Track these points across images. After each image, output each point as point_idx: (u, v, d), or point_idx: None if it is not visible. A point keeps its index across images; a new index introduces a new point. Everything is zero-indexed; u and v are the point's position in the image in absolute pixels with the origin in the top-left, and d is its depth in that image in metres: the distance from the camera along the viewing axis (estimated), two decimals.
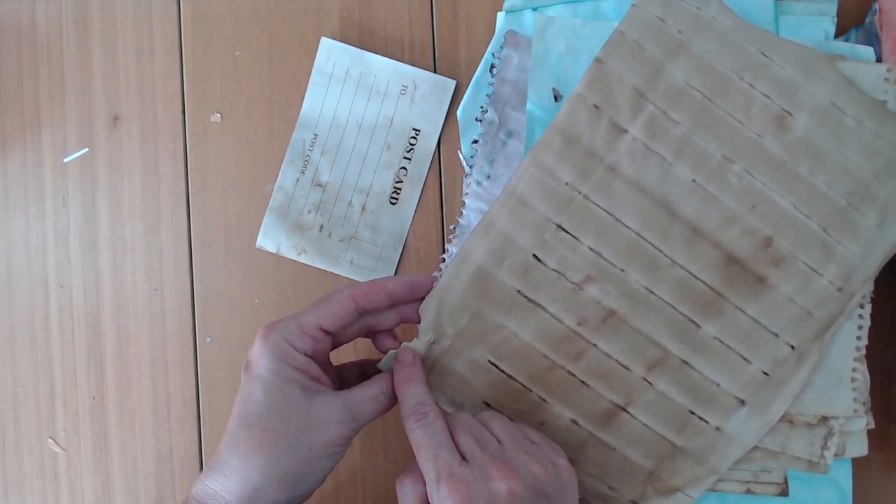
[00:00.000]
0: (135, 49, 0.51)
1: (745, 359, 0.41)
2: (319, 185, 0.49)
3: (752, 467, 0.43)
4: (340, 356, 0.45)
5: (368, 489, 0.49)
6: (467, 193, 0.47)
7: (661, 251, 0.41)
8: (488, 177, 0.47)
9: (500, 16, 0.47)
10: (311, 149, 0.49)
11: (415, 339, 0.42)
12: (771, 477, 0.43)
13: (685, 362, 0.42)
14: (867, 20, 0.44)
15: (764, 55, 0.42)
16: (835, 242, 0.41)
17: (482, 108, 0.47)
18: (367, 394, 0.39)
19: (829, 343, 0.42)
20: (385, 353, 0.41)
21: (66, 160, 0.51)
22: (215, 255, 0.50)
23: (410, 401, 0.38)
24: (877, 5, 0.44)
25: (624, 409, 0.42)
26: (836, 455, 0.42)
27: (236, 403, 0.37)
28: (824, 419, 0.42)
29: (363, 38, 0.49)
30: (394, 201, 0.49)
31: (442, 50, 0.49)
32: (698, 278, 0.41)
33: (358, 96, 0.48)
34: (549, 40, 0.46)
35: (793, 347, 0.41)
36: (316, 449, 0.37)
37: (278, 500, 0.36)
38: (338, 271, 0.49)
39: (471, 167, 0.47)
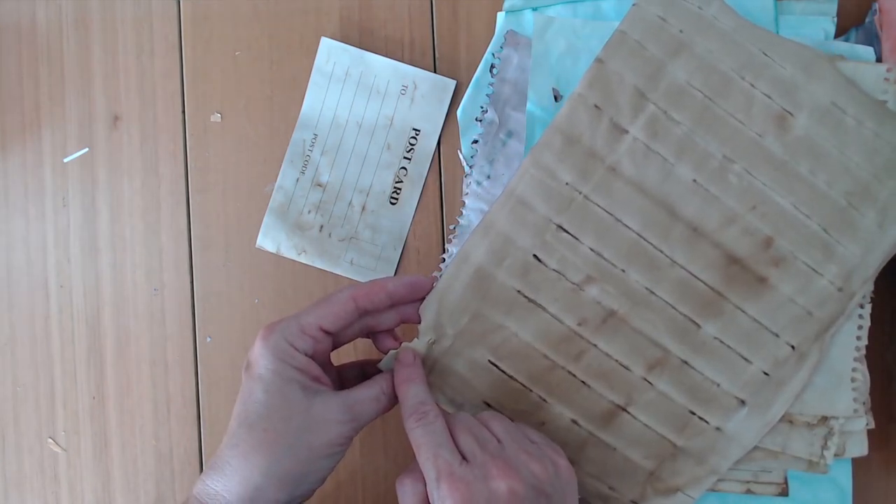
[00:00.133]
0: (135, 49, 0.51)
1: (745, 359, 0.41)
2: (319, 185, 0.49)
3: (752, 467, 0.43)
4: (341, 356, 0.45)
5: (368, 489, 0.49)
6: (467, 193, 0.47)
7: (661, 251, 0.41)
8: (488, 177, 0.47)
9: (500, 16, 0.47)
10: (311, 149, 0.49)
11: (415, 340, 0.42)
12: (771, 477, 0.43)
13: (685, 362, 0.42)
14: (867, 20, 0.44)
15: (765, 55, 0.42)
16: (835, 242, 0.41)
17: (482, 108, 0.47)
18: (368, 394, 0.39)
19: (829, 343, 0.42)
20: (385, 354, 0.41)
21: (66, 160, 0.51)
22: (215, 255, 0.50)
23: (411, 401, 0.38)
24: (877, 5, 0.44)
25: (624, 410, 0.42)
26: (836, 455, 0.42)
27: (237, 403, 0.37)
28: (824, 419, 0.42)
29: (363, 38, 0.49)
30: (394, 201, 0.49)
31: (442, 50, 0.49)
32: (699, 278, 0.41)
33: (358, 96, 0.48)
34: (549, 40, 0.46)
35: (793, 347, 0.41)
36: (316, 449, 0.37)
37: (279, 500, 0.36)
38: (338, 271, 0.49)
39: (471, 167, 0.47)
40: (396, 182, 0.49)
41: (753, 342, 0.41)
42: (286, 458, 0.36)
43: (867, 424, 0.42)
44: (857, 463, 0.44)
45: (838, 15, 0.45)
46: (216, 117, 0.50)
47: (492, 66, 0.47)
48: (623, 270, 0.42)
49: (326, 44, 0.48)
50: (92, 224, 0.51)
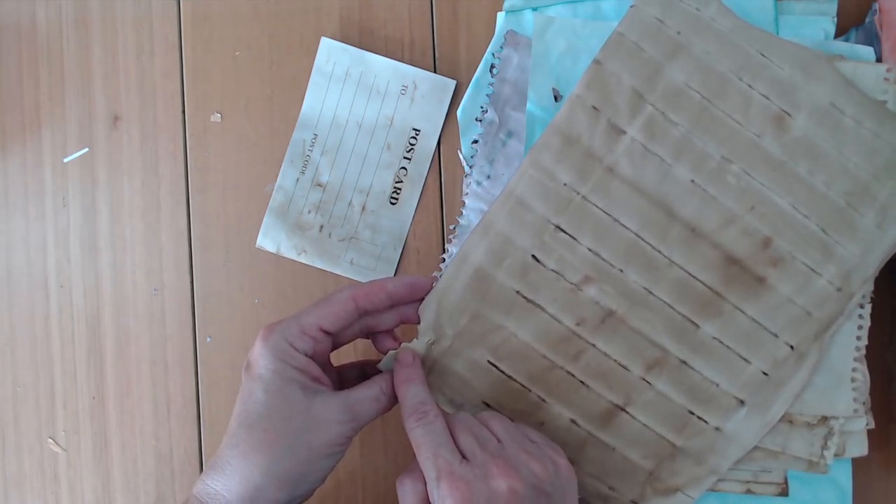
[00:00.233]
0: (135, 49, 0.51)
1: (744, 359, 0.41)
2: (319, 185, 0.49)
3: (752, 467, 0.43)
4: (341, 357, 0.45)
5: (368, 489, 0.49)
6: (467, 193, 0.47)
7: (659, 251, 0.41)
8: (488, 177, 0.47)
9: (500, 16, 0.47)
10: (311, 149, 0.49)
11: (414, 340, 0.42)
12: (771, 477, 0.43)
13: (684, 362, 0.42)
14: (867, 20, 0.44)
15: (763, 55, 0.42)
16: (834, 242, 0.41)
17: (482, 108, 0.47)
18: (367, 394, 0.39)
19: (828, 343, 0.42)
20: (385, 354, 0.41)
21: (66, 160, 0.51)
22: (215, 255, 0.50)
23: (410, 401, 0.38)
24: (877, 5, 0.44)
25: (623, 410, 0.42)
26: (836, 455, 0.42)
27: (237, 403, 0.37)
28: (824, 419, 0.42)
29: (363, 38, 0.49)
30: (394, 201, 0.49)
31: (442, 50, 0.49)
32: (697, 279, 0.41)
33: (358, 96, 0.48)
34: (549, 40, 0.46)
35: (792, 347, 0.41)
36: (316, 448, 0.37)
37: (279, 500, 0.36)
38: (338, 271, 0.49)
39: (471, 167, 0.47)
40: (396, 182, 0.49)
41: (752, 342, 0.41)
42: (286, 458, 0.36)
43: (867, 424, 0.42)
44: (857, 463, 0.44)
45: (838, 15, 0.45)
46: (216, 117, 0.50)
47: (492, 66, 0.47)
48: (621, 270, 0.42)
49: (326, 44, 0.48)
50: (92, 224, 0.51)
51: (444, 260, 0.48)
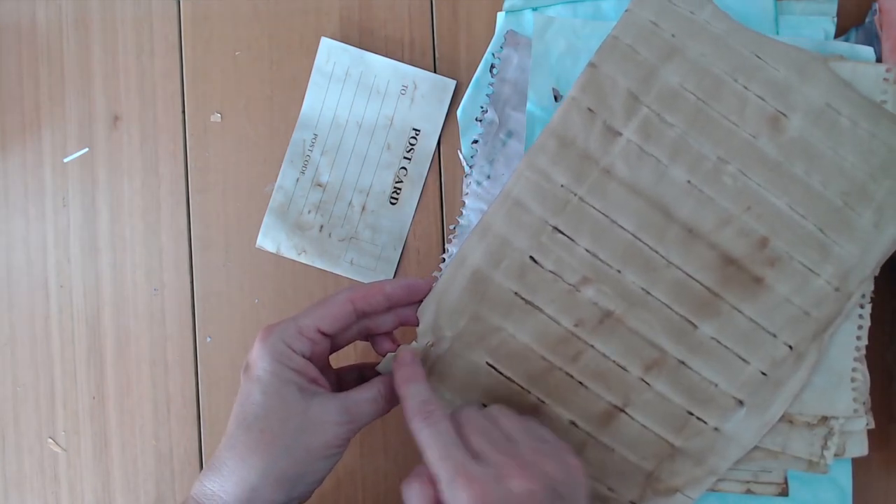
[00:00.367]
0: (135, 49, 0.51)
1: (742, 359, 0.41)
2: (319, 185, 0.49)
3: (752, 467, 0.43)
4: (340, 360, 0.45)
5: (368, 489, 0.49)
6: (467, 193, 0.47)
7: (657, 252, 0.41)
8: (488, 177, 0.47)
9: (500, 16, 0.47)
10: (311, 149, 0.49)
11: (413, 342, 0.42)
12: (771, 477, 0.43)
13: (682, 363, 0.42)
14: (867, 20, 0.44)
15: (758, 57, 0.42)
16: (831, 242, 0.41)
17: (482, 108, 0.47)
18: (365, 395, 0.39)
19: (827, 343, 0.42)
20: (383, 356, 0.41)
21: (66, 160, 0.51)
22: (215, 255, 0.50)
23: (414, 400, 0.37)
24: (877, 5, 0.44)
25: (622, 410, 0.42)
26: (836, 455, 0.42)
27: (235, 405, 0.37)
28: (824, 419, 0.42)
29: (363, 38, 0.49)
30: (394, 201, 0.49)
31: (442, 50, 0.49)
32: (695, 279, 0.41)
33: (358, 96, 0.48)
34: (549, 40, 0.46)
35: (791, 347, 0.41)
36: (313, 450, 0.37)
37: (276, 501, 0.36)
38: (338, 271, 0.49)
39: (471, 167, 0.47)
40: (396, 182, 0.49)
41: (751, 342, 0.41)
42: (283, 459, 0.36)
43: (867, 424, 0.42)
44: (857, 463, 0.44)
45: (838, 15, 0.45)
46: (216, 117, 0.50)
47: (492, 66, 0.47)
48: (619, 271, 0.42)
49: (326, 44, 0.48)
50: (92, 224, 0.51)
51: (443, 260, 0.48)
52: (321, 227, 0.49)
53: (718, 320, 0.41)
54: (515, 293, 0.42)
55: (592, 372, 0.42)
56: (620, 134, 0.42)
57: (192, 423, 0.50)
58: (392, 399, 0.39)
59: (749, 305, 0.41)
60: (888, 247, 0.41)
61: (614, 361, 0.42)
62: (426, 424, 0.36)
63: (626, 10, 0.42)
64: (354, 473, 0.49)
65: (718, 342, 0.41)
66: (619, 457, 0.42)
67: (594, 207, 0.42)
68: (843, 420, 0.42)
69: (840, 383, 0.42)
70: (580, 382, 0.42)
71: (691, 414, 0.42)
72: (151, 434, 0.50)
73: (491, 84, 0.47)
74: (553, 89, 0.46)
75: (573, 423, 0.42)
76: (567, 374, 0.42)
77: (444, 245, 0.48)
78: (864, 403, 0.42)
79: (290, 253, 0.49)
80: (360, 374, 0.43)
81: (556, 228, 0.42)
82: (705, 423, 0.42)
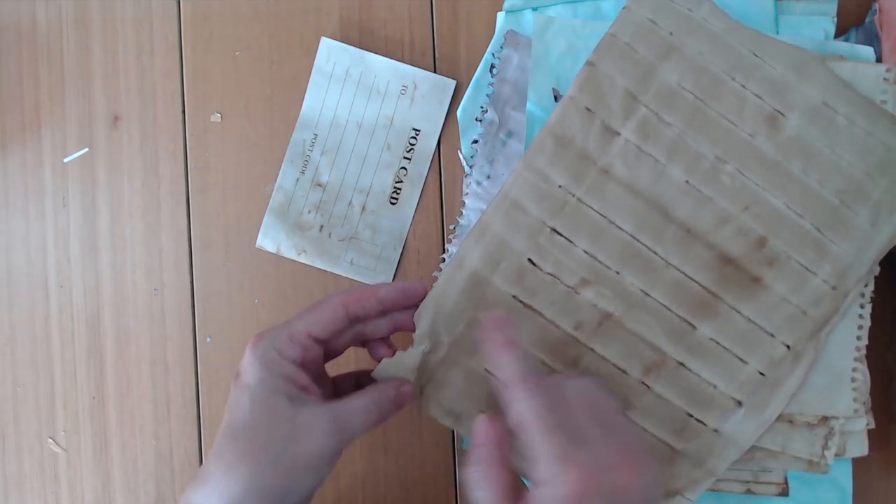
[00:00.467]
0: (135, 49, 0.51)
1: (741, 359, 0.41)
2: (319, 185, 0.49)
3: (753, 467, 0.43)
4: (340, 368, 0.44)
5: (368, 490, 0.49)
6: (467, 193, 0.47)
7: (655, 253, 0.41)
8: (488, 177, 0.47)
9: (500, 16, 0.47)
10: (311, 149, 0.49)
11: (409, 348, 0.41)
12: (771, 477, 0.43)
13: (682, 364, 0.42)
14: (867, 20, 0.44)
15: (755, 55, 0.42)
16: (828, 241, 0.41)
17: (482, 108, 0.47)
18: (358, 404, 0.37)
19: (824, 342, 0.42)
20: (379, 362, 0.40)
21: (66, 160, 0.51)
22: (215, 255, 0.50)
23: (513, 367, 0.34)
24: (877, 5, 0.44)
25: None
26: (836, 455, 0.42)
27: (225, 414, 0.37)
28: (825, 419, 0.42)
29: (363, 38, 0.49)
30: (394, 201, 0.49)
31: (442, 50, 0.49)
32: (693, 279, 0.41)
33: (358, 96, 0.48)
34: (549, 40, 0.46)
35: (788, 347, 0.41)
36: (301, 461, 0.35)
37: None
38: (338, 271, 0.49)
39: (471, 167, 0.47)
40: (396, 182, 0.49)
41: (749, 342, 0.41)
42: (269, 470, 0.35)
43: (867, 424, 0.42)
44: (857, 463, 0.44)
45: (838, 15, 0.45)
46: (216, 117, 0.50)
47: (492, 66, 0.47)
48: (617, 273, 0.41)
49: (326, 44, 0.48)
50: (92, 224, 0.51)
51: (443, 260, 0.48)
52: (321, 227, 0.49)
53: (717, 321, 0.41)
54: (514, 296, 0.42)
55: (592, 375, 0.42)
56: (619, 133, 0.41)
57: (192, 423, 0.50)
58: (387, 409, 0.38)
59: (747, 305, 0.41)
60: (885, 244, 0.41)
61: (614, 364, 0.42)
62: (531, 395, 0.33)
63: (623, 8, 0.42)
64: (355, 474, 0.49)
65: (717, 343, 0.41)
66: None
67: (592, 208, 0.41)
68: (844, 420, 0.42)
69: (840, 383, 0.42)
70: None
71: (691, 416, 0.42)
72: (151, 434, 0.50)
73: (491, 84, 0.47)
74: (553, 89, 0.46)
75: None
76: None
77: (444, 245, 0.48)
78: (864, 403, 0.42)
79: (290, 253, 0.49)
80: (357, 382, 0.42)
81: (554, 230, 0.41)
82: (704, 424, 0.42)
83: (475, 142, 0.47)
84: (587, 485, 0.31)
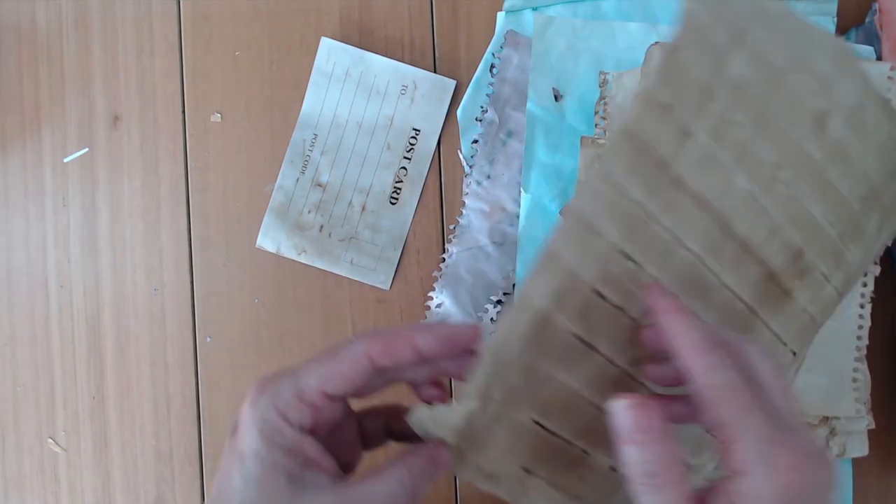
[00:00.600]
0: (135, 49, 0.51)
1: None
2: (319, 185, 0.49)
3: None
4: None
5: None
6: (467, 193, 0.47)
7: (714, 273, 0.35)
8: (488, 177, 0.47)
9: (500, 16, 0.47)
10: (311, 149, 0.49)
11: (454, 403, 0.32)
12: None
13: None
14: (867, 20, 0.44)
15: (805, 43, 0.35)
16: (844, 248, 0.38)
17: (482, 108, 0.47)
18: (380, 489, 0.29)
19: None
20: (428, 403, 0.32)
21: (66, 160, 0.51)
22: (215, 255, 0.50)
23: (696, 335, 0.28)
24: (877, 5, 0.44)
25: None
26: (836, 455, 0.42)
27: (214, 482, 0.31)
28: (826, 419, 0.42)
29: (363, 38, 0.49)
30: (394, 201, 0.49)
31: (442, 50, 0.49)
32: (740, 298, 0.36)
33: (358, 96, 0.48)
34: (549, 40, 0.46)
35: (794, 353, 0.41)
36: None
37: None
38: (338, 271, 0.49)
39: (471, 167, 0.47)
40: (396, 182, 0.49)
41: None
42: None
43: (868, 424, 0.42)
44: (857, 463, 0.44)
45: (838, 15, 0.45)
46: (216, 117, 0.50)
47: (492, 66, 0.47)
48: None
49: (326, 44, 0.48)
50: (92, 224, 0.51)
51: (443, 260, 0.48)
52: (321, 227, 0.49)
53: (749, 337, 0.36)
54: (574, 335, 0.33)
55: None
56: (691, 135, 0.33)
57: (192, 423, 0.50)
58: (420, 488, 0.30)
59: (775, 318, 0.37)
60: (882, 248, 0.40)
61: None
62: (722, 365, 0.27)
63: None
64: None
65: None
66: None
67: (663, 226, 0.33)
68: (845, 420, 0.42)
69: (842, 384, 0.42)
70: None
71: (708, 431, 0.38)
72: (151, 434, 0.50)
73: (491, 84, 0.47)
74: (553, 89, 0.46)
75: (612, 468, 0.37)
76: None
77: (444, 245, 0.48)
78: (865, 404, 0.42)
79: (290, 253, 0.49)
80: (386, 425, 0.34)
81: (625, 254, 0.33)
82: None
83: (475, 142, 0.47)
84: (802, 475, 0.25)
